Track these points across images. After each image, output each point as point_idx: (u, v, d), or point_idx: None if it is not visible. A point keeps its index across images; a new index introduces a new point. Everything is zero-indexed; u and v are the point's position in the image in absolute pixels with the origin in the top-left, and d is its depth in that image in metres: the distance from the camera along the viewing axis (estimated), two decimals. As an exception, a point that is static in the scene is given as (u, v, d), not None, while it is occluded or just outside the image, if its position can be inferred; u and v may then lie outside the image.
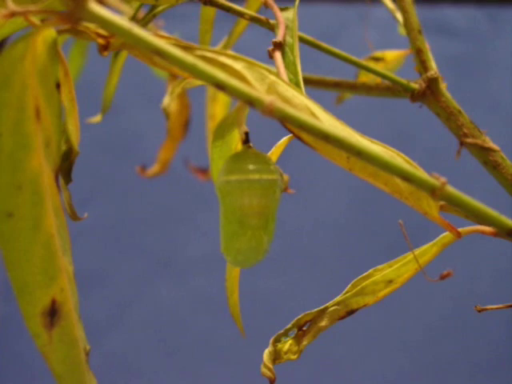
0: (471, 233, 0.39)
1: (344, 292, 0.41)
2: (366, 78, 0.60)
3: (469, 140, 0.44)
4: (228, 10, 0.43)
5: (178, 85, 0.40)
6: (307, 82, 0.54)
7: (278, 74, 0.37)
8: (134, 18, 0.44)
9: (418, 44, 0.47)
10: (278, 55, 0.39)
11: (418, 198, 0.35)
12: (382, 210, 1.27)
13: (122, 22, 0.26)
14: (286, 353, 0.41)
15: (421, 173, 0.28)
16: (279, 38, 0.40)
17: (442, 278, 0.40)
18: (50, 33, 0.31)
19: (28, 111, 0.30)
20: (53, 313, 0.31)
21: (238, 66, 0.34)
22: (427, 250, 0.40)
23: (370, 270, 0.41)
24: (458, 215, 0.39)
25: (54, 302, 0.31)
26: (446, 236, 0.39)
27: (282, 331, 0.41)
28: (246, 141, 0.38)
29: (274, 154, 0.41)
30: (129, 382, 1.42)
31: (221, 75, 0.26)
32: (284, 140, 0.41)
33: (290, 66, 0.39)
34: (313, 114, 0.34)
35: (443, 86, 0.46)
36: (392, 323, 1.42)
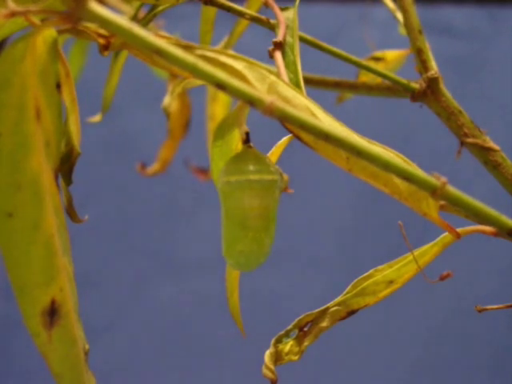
0: (471, 233, 0.39)
1: (345, 292, 0.41)
2: (366, 77, 0.60)
3: (469, 140, 0.44)
4: (228, 9, 0.43)
5: (179, 84, 0.40)
6: (307, 81, 0.54)
7: (278, 74, 0.37)
8: (134, 18, 0.44)
9: (418, 44, 0.47)
10: (278, 55, 0.39)
11: (417, 199, 0.35)
12: (384, 209, 1.27)
13: (123, 21, 0.26)
14: (287, 354, 0.41)
15: (421, 173, 0.28)
16: (279, 37, 0.40)
17: (442, 278, 0.40)
18: (50, 33, 0.31)
19: (28, 111, 0.30)
20: (52, 312, 0.31)
21: (238, 65, 0.34)
22: (427, 251, 0.40)
23: (371, 271, 0.41)
24: (459, 215, 0.39)
25: (53, 302, 0.31)
26: (447, 236, 0.39)
27: (282, 332, 0.41)
28: (246, 141, 0.38)
29: (273, 154, 0.41)
30: (128, 382, 1.42)
31: (221, 75, 0.26)
32: (284, 140, 0.41)
33: (290, 66, 0.39)
34: (313, 115, 0.34)
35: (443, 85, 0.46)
36: (392, 323, 1.42)
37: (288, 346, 0.41)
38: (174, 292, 1.44)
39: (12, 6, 0.30)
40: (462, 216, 0.39)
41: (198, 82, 0.39)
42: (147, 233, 1.45)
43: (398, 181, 0.35)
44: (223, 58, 0.34)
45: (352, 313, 0.41)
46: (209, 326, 1.40)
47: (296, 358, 0.41)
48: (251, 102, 0.26)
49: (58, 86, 0.32)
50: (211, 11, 0.49)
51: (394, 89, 0.52)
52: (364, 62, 0.51)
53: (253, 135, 0.38)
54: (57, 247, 0.31)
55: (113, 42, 0.37)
